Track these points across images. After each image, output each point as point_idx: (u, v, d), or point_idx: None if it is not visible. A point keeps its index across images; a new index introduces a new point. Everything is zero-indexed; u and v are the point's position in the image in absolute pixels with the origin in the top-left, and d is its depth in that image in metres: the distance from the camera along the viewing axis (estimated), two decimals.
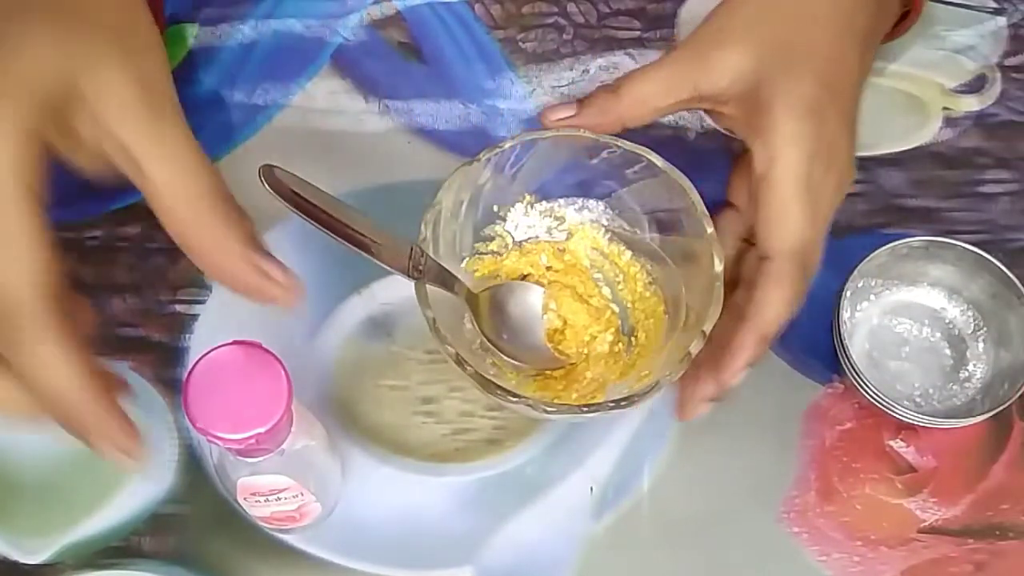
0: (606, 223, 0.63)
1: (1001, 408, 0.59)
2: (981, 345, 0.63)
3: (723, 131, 0.69)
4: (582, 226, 0.63)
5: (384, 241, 0.54)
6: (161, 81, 0.48)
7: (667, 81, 0.58)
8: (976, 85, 0.72)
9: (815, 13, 0.57)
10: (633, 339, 0.62)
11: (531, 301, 0.62)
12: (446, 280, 0.57)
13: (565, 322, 0.62)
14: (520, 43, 0.72)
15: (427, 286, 0.55)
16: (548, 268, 0.63)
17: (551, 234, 0.64)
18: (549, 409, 0.55)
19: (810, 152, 0.54)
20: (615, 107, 0.59)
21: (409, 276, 0.54)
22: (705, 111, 0.64)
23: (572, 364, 0.61)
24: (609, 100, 0.59)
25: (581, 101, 0.59)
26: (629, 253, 0.63)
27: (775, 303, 0.54)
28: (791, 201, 0.54)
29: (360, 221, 0.53)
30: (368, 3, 0.73)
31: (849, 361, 0.60)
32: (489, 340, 0.59)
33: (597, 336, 0.61)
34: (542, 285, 0.63)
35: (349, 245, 0.52)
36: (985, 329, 0.63)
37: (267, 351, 0.47)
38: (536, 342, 0.61)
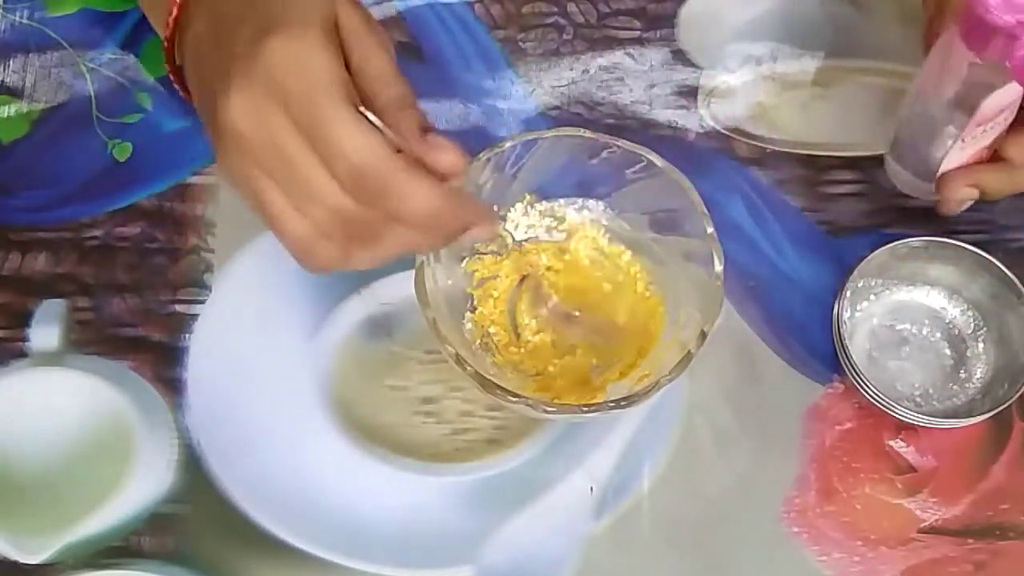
0: (606, 223, 0.63)
1: (1001, 408, 0.59)
2: (981, 345, 0.63)
3: (723, 131, 0.69)
4: (582, 226, 0.63)
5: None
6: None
7: None
8: None
9: None
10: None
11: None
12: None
13: None
14: (520, 43, 0.72)
15: (428, 284, 0.55)
16: (548, 268, 0.63)
17: (551, 234, 0.64)
18: (549, 409, 0.55)
19: None
20: None
21: None
22: None
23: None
24: None
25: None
26: (629, 253, 0.63)
27: None
28: None
29: None
30: (368, 3, 0.73)
31: (849, 361, 0.60)
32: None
33: None
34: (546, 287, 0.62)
35: None
36: (985, 329, 0.63)
37: None
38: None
